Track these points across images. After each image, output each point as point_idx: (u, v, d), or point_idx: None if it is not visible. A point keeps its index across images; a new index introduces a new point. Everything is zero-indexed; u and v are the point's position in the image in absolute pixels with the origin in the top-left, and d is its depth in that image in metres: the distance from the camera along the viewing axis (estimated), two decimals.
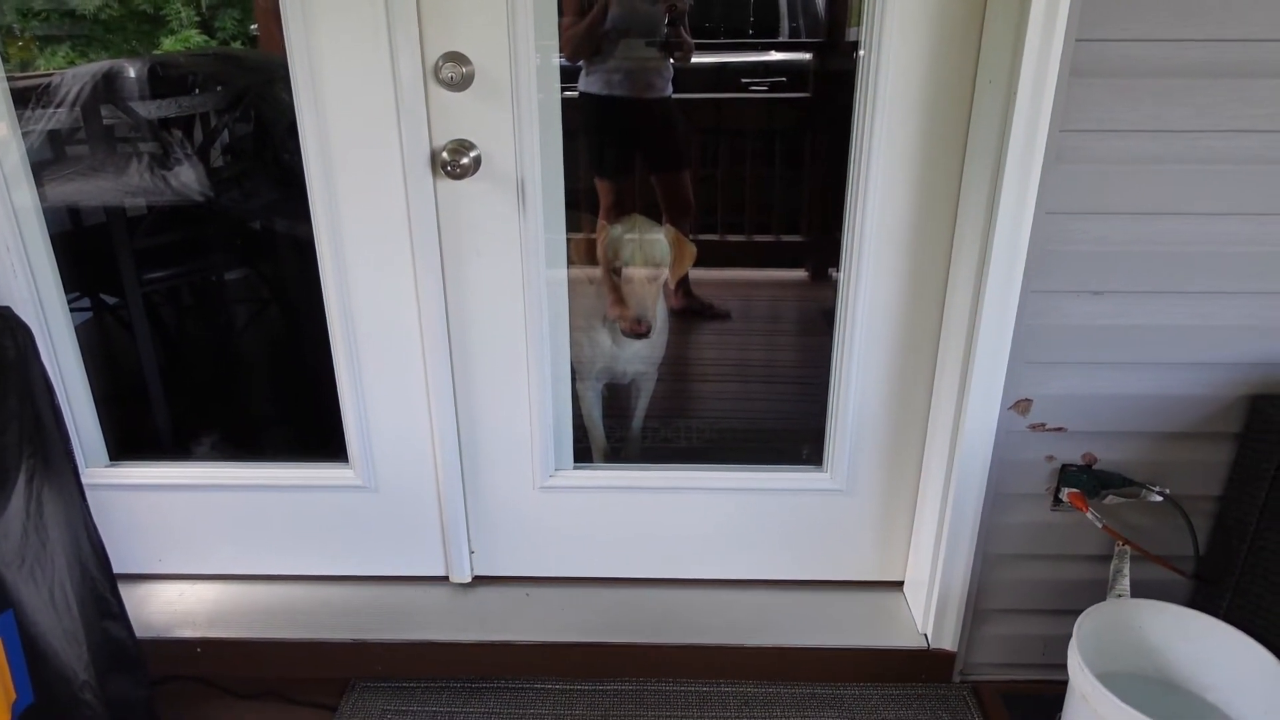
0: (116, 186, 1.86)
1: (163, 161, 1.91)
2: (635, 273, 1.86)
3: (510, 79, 1.42)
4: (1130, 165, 1.32)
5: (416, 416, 1.65)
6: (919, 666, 1.67)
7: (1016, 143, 1.31)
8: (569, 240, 1.90)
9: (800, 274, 3.43)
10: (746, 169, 3.45)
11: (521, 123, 1.45)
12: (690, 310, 3.04)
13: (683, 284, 2.99)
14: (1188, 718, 1.41)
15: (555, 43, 1.46)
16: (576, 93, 2.54)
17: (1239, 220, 1.35)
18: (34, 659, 1.11)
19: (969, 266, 1.45)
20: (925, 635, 1.67)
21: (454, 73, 1.39)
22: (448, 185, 1.49)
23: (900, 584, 1.79)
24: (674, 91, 2.59)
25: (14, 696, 1.09)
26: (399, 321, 1.58)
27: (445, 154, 1.43)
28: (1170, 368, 1.45)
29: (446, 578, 1.80)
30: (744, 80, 3.26)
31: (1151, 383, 1.46)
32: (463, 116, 1.44)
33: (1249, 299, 1.39)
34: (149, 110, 1.90)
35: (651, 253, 1.85)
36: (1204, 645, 1.42)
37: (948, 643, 1.64)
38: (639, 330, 1.88)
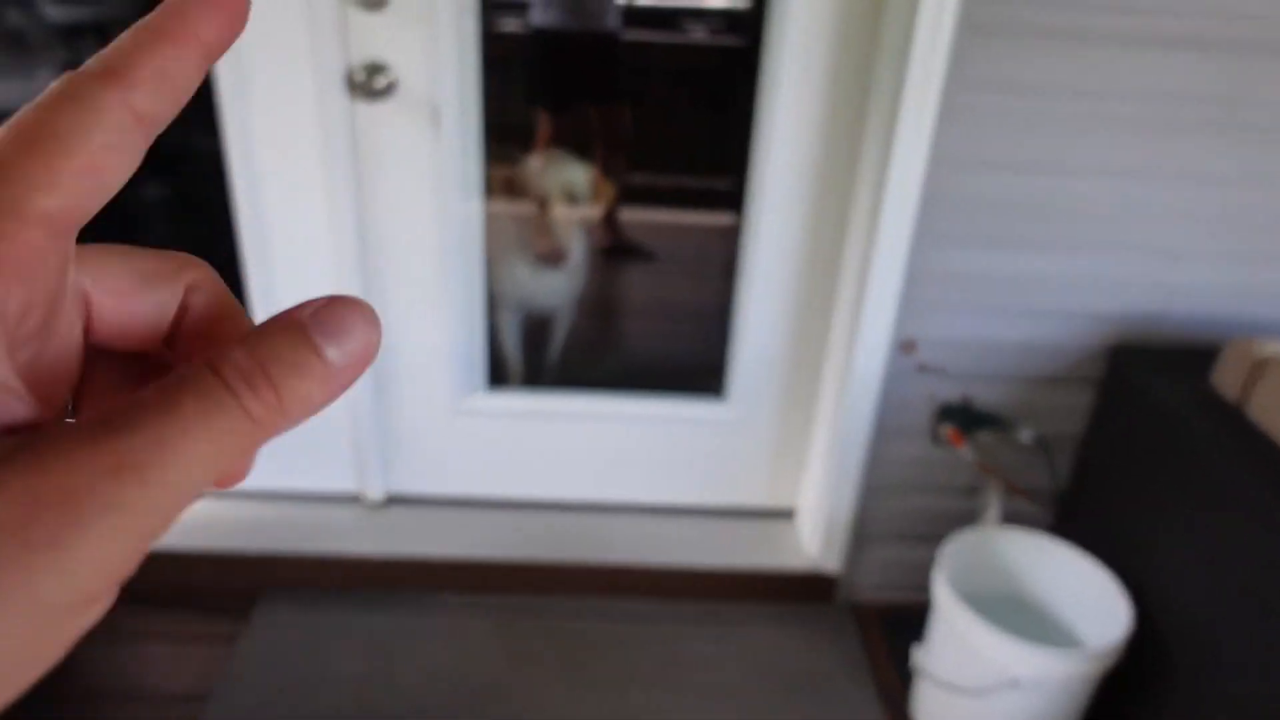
0: (23, 95, 1.80)
1: (72, 69, 1.85)
2: (553, 204, 1.89)
3: (429, 2, 1.43)
4: (1018, 121, 1.40)
5: None
6: (805, 587, 1.78)
7: (911, 95, 1.37)
8: (491, 173, 1.92)
9: (727, 218, 3.49)
10: (680, 112, 3.48)
11: (439, 49, 1.47)
12: (617, 248, 3.09)
13: (610, 223, 3.03)
14: (1037, 633, 1.55)
15: None
16: (528, 28, 2.54)
17: (1115, 178, 1.44)
18: None
19: (865, 213, 1.52)
20: (812, 558, 1.78)
21: None
22: (363, 108, 1.50)
23: (791, 511, 1.90)
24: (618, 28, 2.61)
25: None
26: (312, 241, 1.59)
27: (360, 75, 1.44)
28: (1044, 316, 1.55)
29: (359, 495, 1.85)
30: (685, 24, 3.27)
31: (1026, 329, 1.56)
32: (379, 37, 1.45)
33: (1113, 253, 1.50)
34: (57, 14, 1.85)
35: (569, 186, 1.89)
36: (1055, 569, 1.55)
37: (832, 566, 1.76)
38: (555, 260, 1.92)
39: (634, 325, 2.91)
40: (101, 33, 1.99)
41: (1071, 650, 1.32)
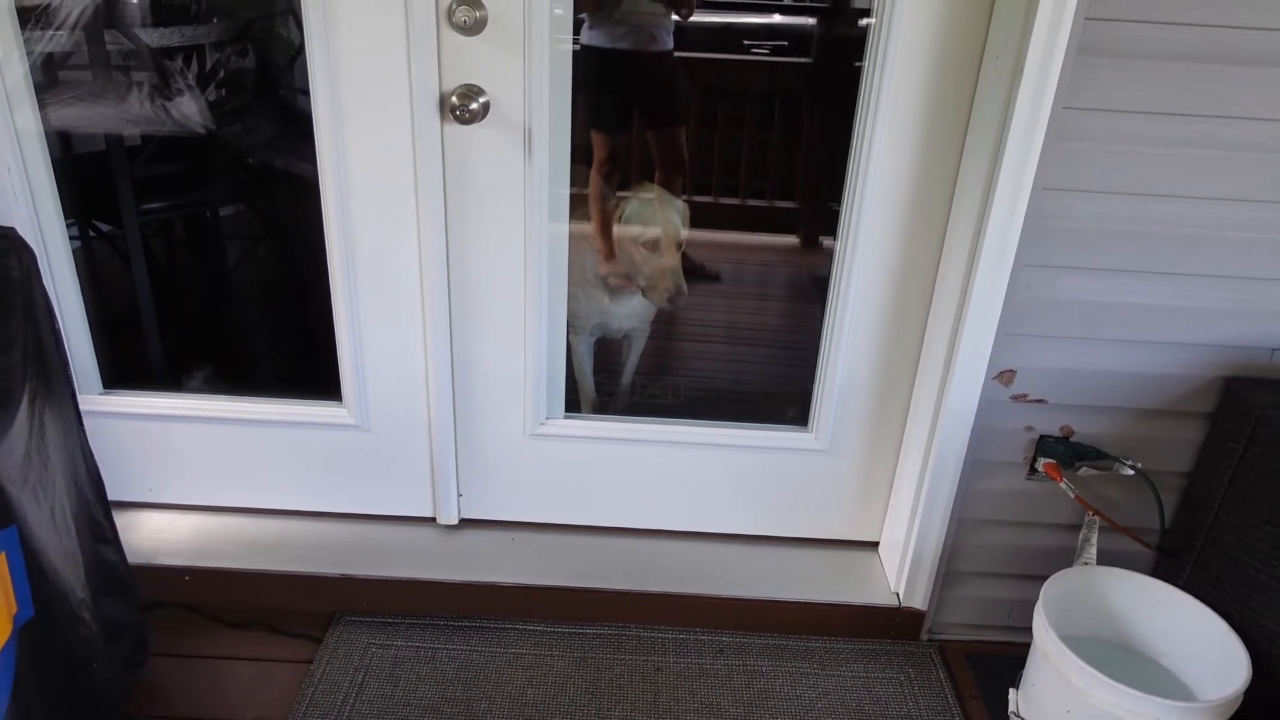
0: (116, 114, 1.84)
1: (163, 91, 1.89)
2: (664, 244, 1.88)
3: (523, 26, 1.42)
4: (1128, 145, 1.35)
5: (412, 360, 1.67)
6: (889, 624, 1.72)
7: (1020, 118, 1.33)
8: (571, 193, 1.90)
9: (791, 240, 3.45)
10: (744, 132, 3.45)
11: (532, 71, 1.46)
12: (681, 270, 3.06)
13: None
14: (1142, 681, 1.48)
15: None
16: (578, 46, 2.52)
17: (1227, 205, 1.38)
18: (35, 574, 1.14)
19: (964, 238, 1.48)
20: (897, 594, 1.73)
21: (467, 16, 1.38)
22: (455, 130, 1.49)
23: (875, 544, 1.85)
24: (675, 48, 2.58)
25: (15, 609, 1.11)
26: (400, 264, 1.59)
27: (455, 98, 1.43)
28: (1151, 346, 1.49)
29: (434, 519, 1.83)
30: (746, 42, 3.25)
31: (1133, 360, 1.50)
32: (474, 61, 1.45)
33: (1230, 283, 1.43)
34: (151, 38, 1.88)
35: (675, 223, 1.89)
36: (1163, 613, 1.48)
37: (918, 602, 1.70)
38: (676, 300, 1.92)
39: (700, 348, 2.87)
40: (188, 56, 2.02)
41: (1194, 702, 1.24)
